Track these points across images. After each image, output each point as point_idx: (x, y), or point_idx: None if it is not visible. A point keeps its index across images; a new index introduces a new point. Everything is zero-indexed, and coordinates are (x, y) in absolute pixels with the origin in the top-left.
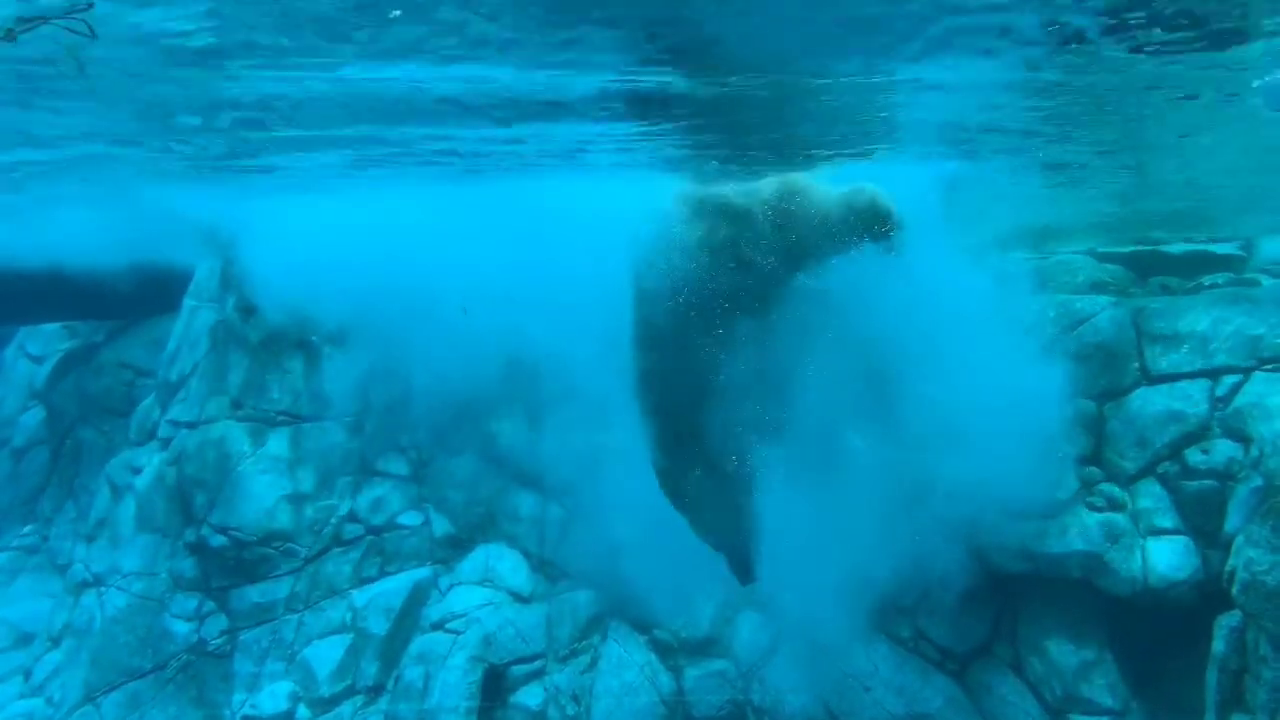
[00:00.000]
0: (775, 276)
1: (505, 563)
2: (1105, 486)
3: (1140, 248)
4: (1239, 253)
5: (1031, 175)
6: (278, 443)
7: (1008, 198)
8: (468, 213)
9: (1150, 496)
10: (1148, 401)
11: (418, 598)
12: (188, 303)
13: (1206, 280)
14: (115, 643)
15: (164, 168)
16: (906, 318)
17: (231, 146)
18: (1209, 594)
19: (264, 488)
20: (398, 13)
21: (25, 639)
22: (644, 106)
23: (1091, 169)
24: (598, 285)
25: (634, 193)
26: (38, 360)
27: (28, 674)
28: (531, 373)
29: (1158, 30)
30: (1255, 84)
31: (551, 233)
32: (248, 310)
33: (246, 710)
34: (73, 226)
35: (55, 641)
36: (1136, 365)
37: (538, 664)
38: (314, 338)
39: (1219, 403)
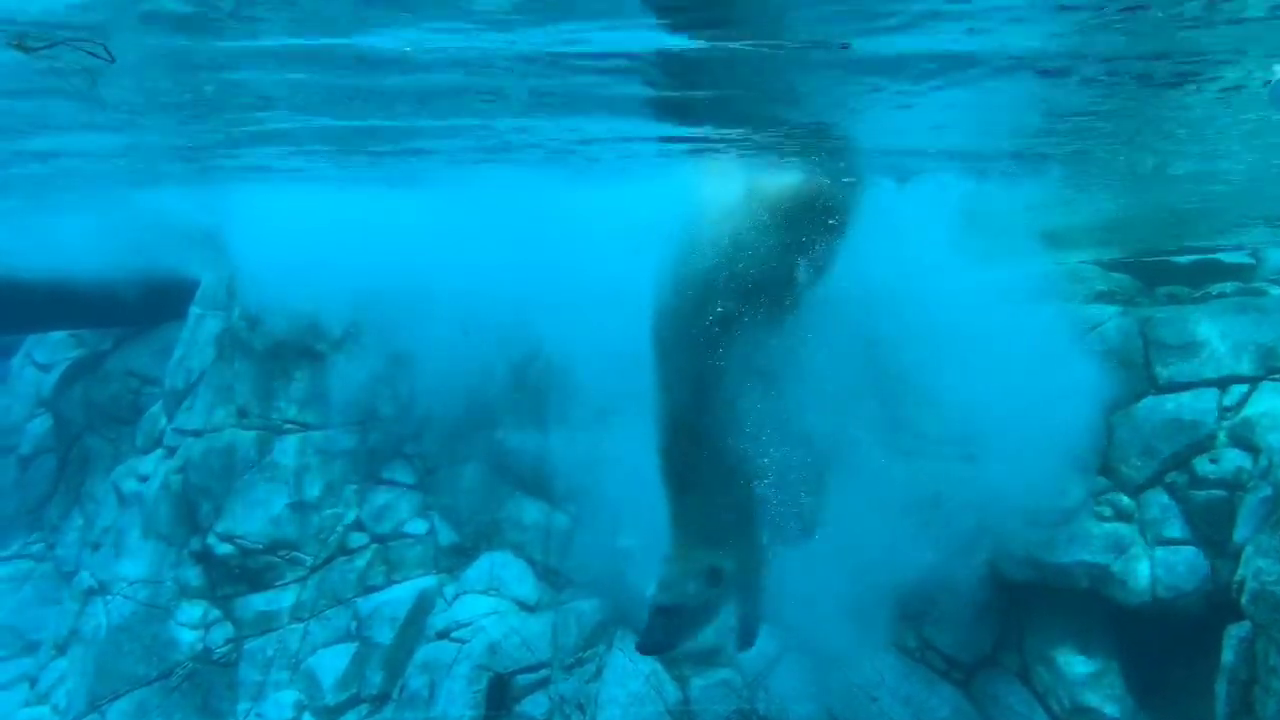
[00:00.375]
0: (787, 275)
1: (510, 571)
2: (1113, 496)
3: (1148, 257)
4: (1248, 261)
5: (1046, 176)
6: (283, 451)
7: (1017, 203)
8: (472, 212)
9: (1158, 506)
10: (1155, 410)
11: (423, 606)
12: (194, 310)
13: (1215, 289)
14: (120, 650)
15: (162, 168)
16: (915, 325)
17: (235, 139)
18: (1218, 604)
19: (270, 496)
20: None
21: (31, 646)
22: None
23: (1108, 167)
24: (609, 289)
25: (642, 192)
26: (45, 368)
27: (33, 681)
28: (538, 379)
29: None
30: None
31: (561, 232)
32: (254, 318)
33: (251, 719)
34: (75, 233)
35: (60, 649)
36: (1144, 374)
37: (543, 673)
38: (320, 345)
39: (1227, 412)
